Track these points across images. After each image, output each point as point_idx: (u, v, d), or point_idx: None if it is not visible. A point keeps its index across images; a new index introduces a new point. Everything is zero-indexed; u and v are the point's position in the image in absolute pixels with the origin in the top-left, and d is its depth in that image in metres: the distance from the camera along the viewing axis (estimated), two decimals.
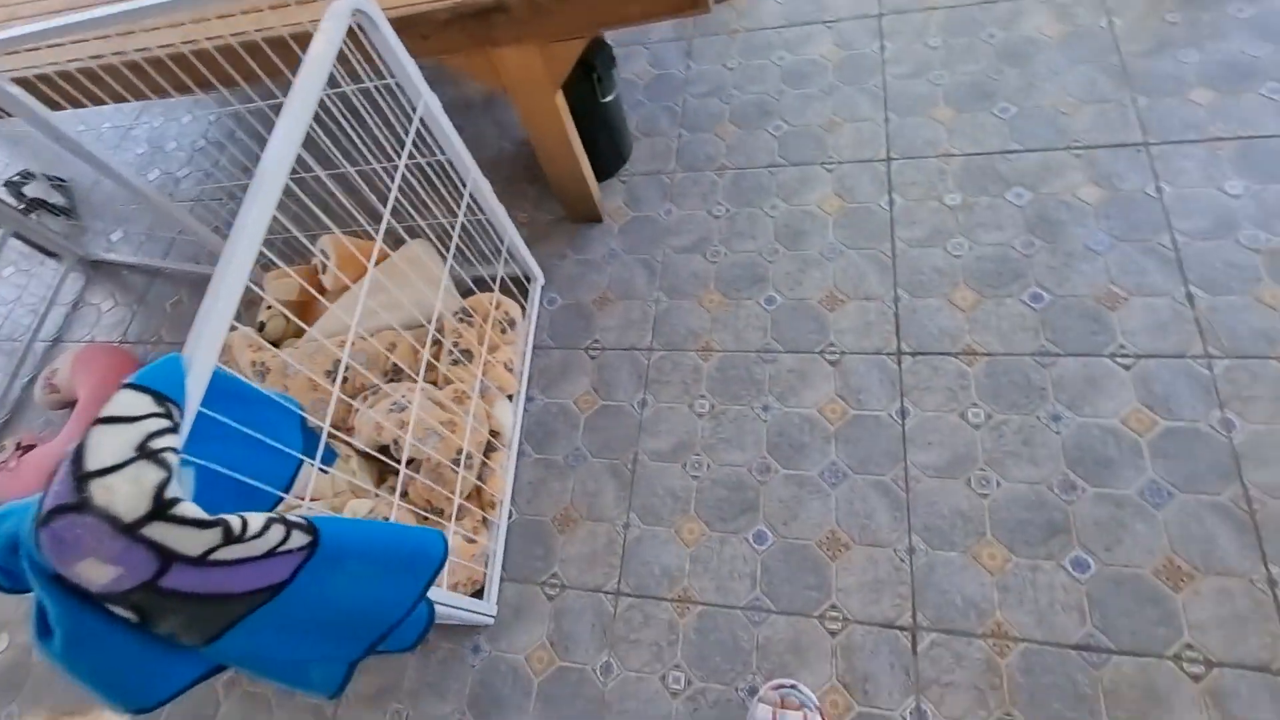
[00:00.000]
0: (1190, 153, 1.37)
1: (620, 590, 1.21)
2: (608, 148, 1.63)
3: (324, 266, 1.37)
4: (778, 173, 1.60)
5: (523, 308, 1.49)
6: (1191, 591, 1.03)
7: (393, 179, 1.04)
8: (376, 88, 1.10)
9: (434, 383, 1.32)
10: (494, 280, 1.38)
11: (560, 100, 1.34)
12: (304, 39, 1.05)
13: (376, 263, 1.39)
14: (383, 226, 0.97)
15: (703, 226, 1.57)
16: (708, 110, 1.74)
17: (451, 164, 1.23)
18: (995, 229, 1.39)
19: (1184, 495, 1.09)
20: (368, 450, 1.10)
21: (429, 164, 1.21)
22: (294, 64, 1.00)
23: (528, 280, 1.55)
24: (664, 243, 1.57)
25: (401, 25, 1.15)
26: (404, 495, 1.24)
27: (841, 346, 1.35)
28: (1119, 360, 1.21)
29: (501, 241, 1.39)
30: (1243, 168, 1.32)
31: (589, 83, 1.45)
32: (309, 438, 0.82)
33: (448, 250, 1.20)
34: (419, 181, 1.22)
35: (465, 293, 1.51)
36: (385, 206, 1.02)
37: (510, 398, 1.39)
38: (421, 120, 1.11)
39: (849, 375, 1.31)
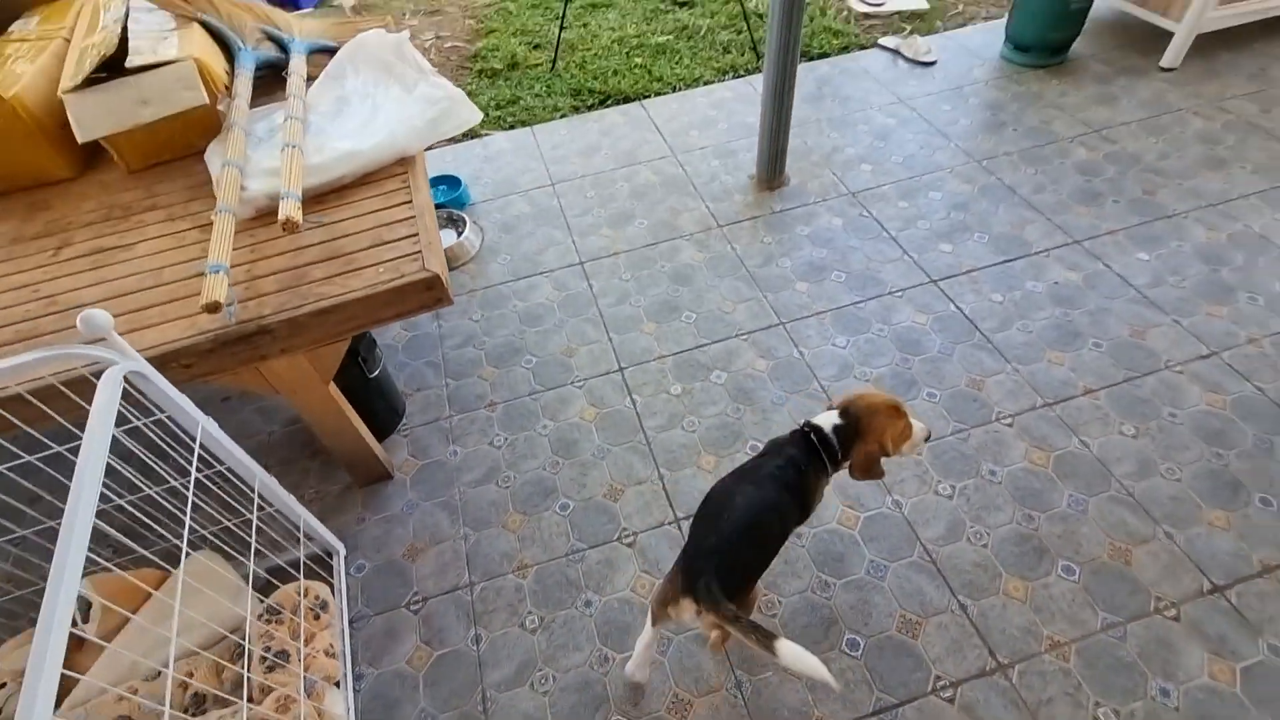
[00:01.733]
0: (809, 324, 1.95)
1: None
2: (383, 410, 1.75)
3: (83, 616, 1.22)
4: (539, 398, 1.86)
5: (331, 586, 1.46)
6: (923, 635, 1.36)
7: (179, 503, 1.05)
8: (147, 424, 1.11)
9: (250, 699, 1.21)
10: (296, 567, 1.35)
11: (333, 388, 1.46)
12: (43, 393, 1.05)
13: (157, 587, 1.29)
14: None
15: (488, 458, 1.74)
16: (466, 358, 1.98)
17: (232, 471, 1.25)
18: (711, 405, 1.79)
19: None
20: None
21: (209, 476, 1.21)
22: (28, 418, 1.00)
23: (329, 556, 1.53)
24: (457, 482, 1.69)
25: (162, 362, 1.21)
26: None
27: (633, 529, 1.57)
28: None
29: (297, 527, 1.39)
30: (840, 328, 1.93)
31: (356, 365, 1.60)
32: None
33: (240, 552, 1.18)
34: (199, 497, 1.21)
35: (262, 586, 1.44)
36: (183, 533, 1.01)
37: (338, 684, 1.32)
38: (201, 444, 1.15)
39: (646, 551, 1.53)
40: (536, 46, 3.36)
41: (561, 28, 3.17)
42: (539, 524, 1.59)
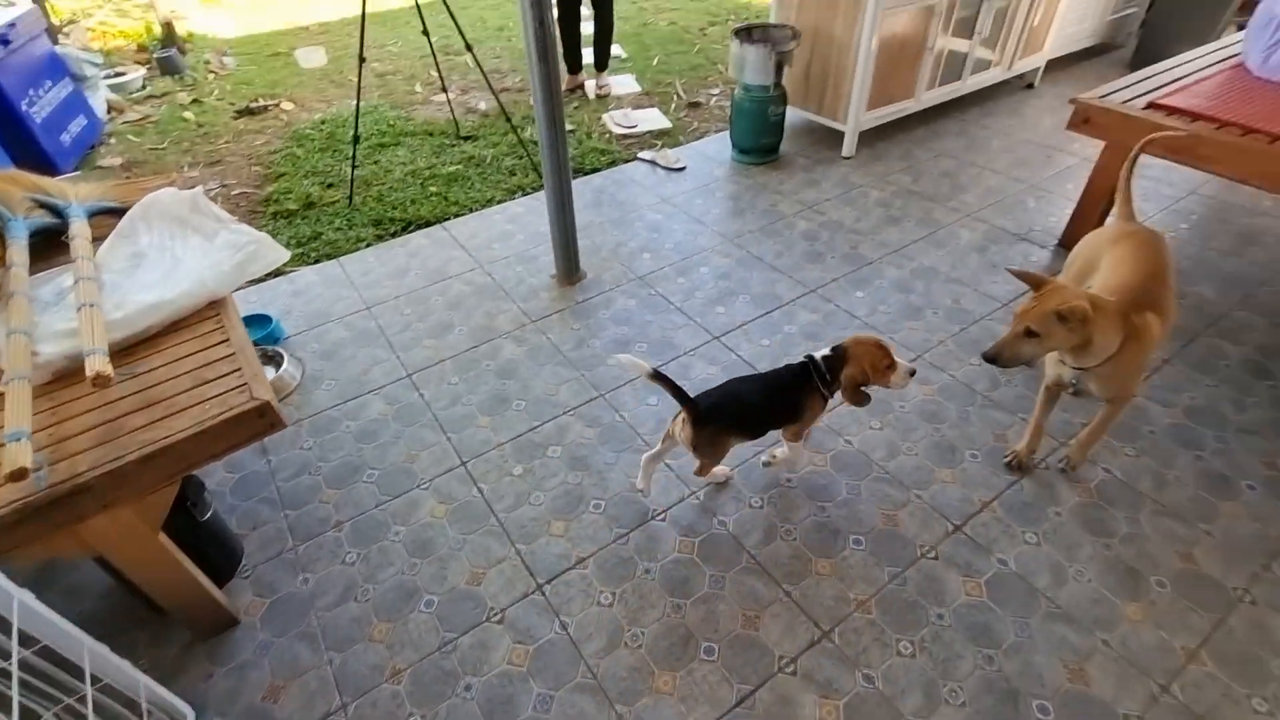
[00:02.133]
0: (624, 391, 2.22)
1: None
2: (218, 555, 1.67)
3: None
4: (386, 507, 1.89)
5: None
6: None
7: None
8: None
9: None
10: None
11: (164, 538, 1.40)
12: None
13: None
14: None
15: (343, 577, 1.72)
16: (303, 486, 1.95)
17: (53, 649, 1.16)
18: (552, 477, 1.96)
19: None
20: None
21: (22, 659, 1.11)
22: None
23: None
24: (312, 608, 1.65)
25: None
26: None
27: (499, 605, 1.64)
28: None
29: (137, 698, 1.28)
30: (650, 390, 2.22)
31: (184, 512, 1.54)
32: None
33: None
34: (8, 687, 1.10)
35: None
36: None
37: None
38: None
39: (516, 623, 1.61)
40: (330, 185, 3.49)
41: (354, 166, 3.35)
42: (406, 627, 1.61)
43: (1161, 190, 3.16)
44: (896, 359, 1.65)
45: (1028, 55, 4.01)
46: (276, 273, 2.81)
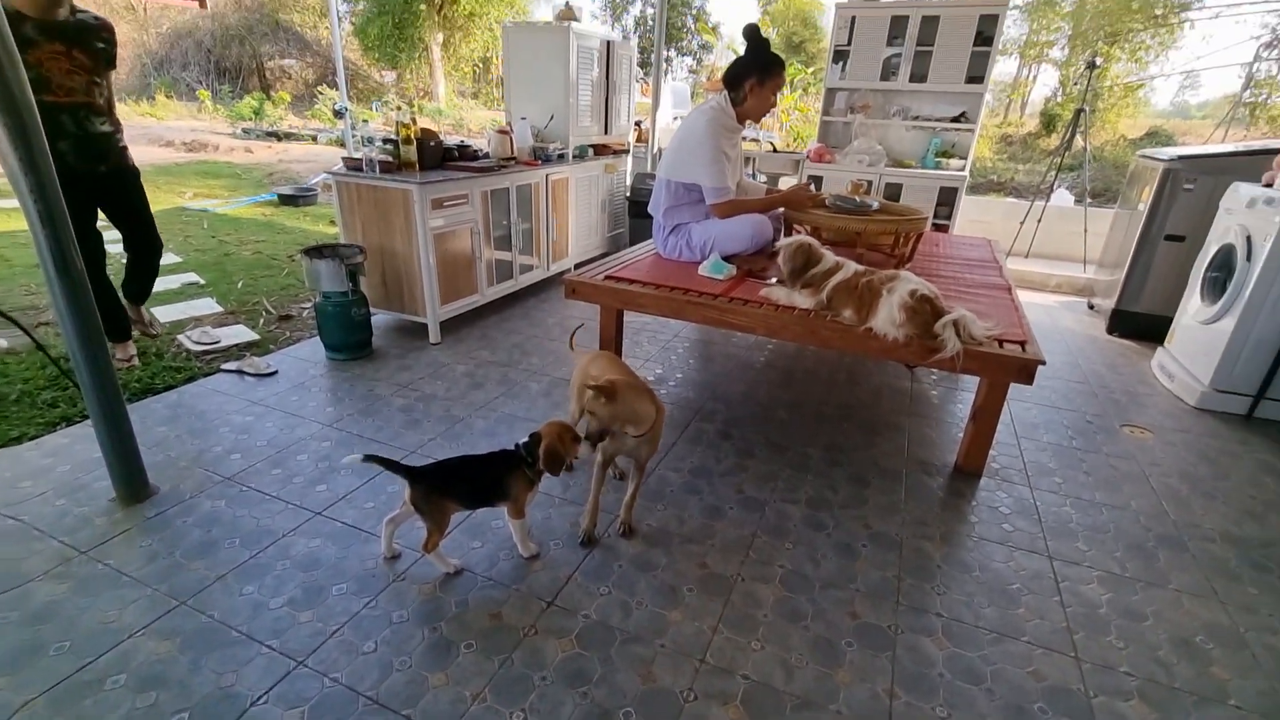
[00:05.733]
0: (213, 590, 2.03)
1: None
2: None
3: None
4: None
5: None
6: None
7: None
8: None
9: None
10: None
11: None
12: None
13: None
14: None
15: None
16: None
17: None
18: (113, 711, 1.64)
19: None
20: None
21: None
22: None
23: None
24: None
25: None
26: None
27: None
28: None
29: None
30: (246, 580, 2.08)
31: None
32: None
33: None
34: None
35: None
36: None
37: None
38: None
39: None
40: None
41: None
42: None
43: (658, 335, 4.45)
44: (580, 435, 2.12)
45: (559, 260, 5.32)
46: None
